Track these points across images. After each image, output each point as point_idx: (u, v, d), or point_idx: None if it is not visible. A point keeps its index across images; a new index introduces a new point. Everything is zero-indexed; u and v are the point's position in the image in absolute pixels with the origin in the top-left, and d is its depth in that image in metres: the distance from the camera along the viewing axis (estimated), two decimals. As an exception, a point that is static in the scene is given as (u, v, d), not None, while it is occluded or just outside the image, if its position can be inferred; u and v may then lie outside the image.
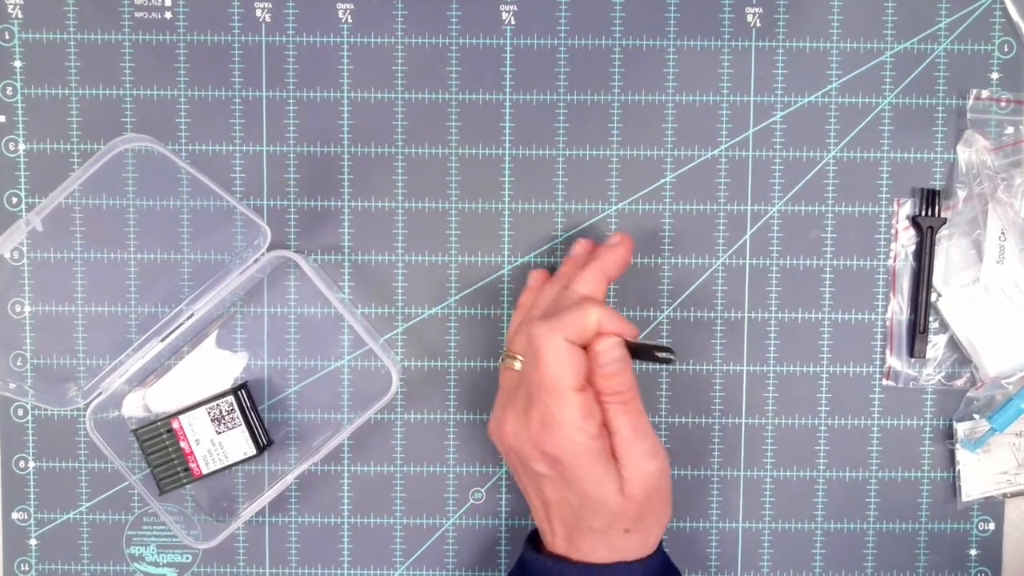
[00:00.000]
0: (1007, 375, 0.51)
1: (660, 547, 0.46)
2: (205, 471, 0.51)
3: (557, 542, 0.45)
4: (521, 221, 0.52)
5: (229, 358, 0.52)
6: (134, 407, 0.52)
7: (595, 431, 0.42)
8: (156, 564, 0.53)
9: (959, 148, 0.52)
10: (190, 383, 0.52)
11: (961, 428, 0.52)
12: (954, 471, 0.52)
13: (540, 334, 0.42)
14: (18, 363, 0.52)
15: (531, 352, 0.42)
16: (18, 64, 0.52)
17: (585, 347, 0.43)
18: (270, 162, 0.52)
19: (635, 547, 0.44)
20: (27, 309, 0.52)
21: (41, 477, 0.53)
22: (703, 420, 0.53)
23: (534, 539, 0.47)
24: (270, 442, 0.52)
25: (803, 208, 0.52)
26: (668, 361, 0.44)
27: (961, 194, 0.52)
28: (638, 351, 0.44)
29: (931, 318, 0.52)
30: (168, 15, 0.52)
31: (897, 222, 0.52)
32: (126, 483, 0.52)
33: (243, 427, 0.51)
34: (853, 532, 0.53)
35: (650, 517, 0.44)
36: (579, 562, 0.44)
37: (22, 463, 0.53)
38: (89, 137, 0.52)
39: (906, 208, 0.52)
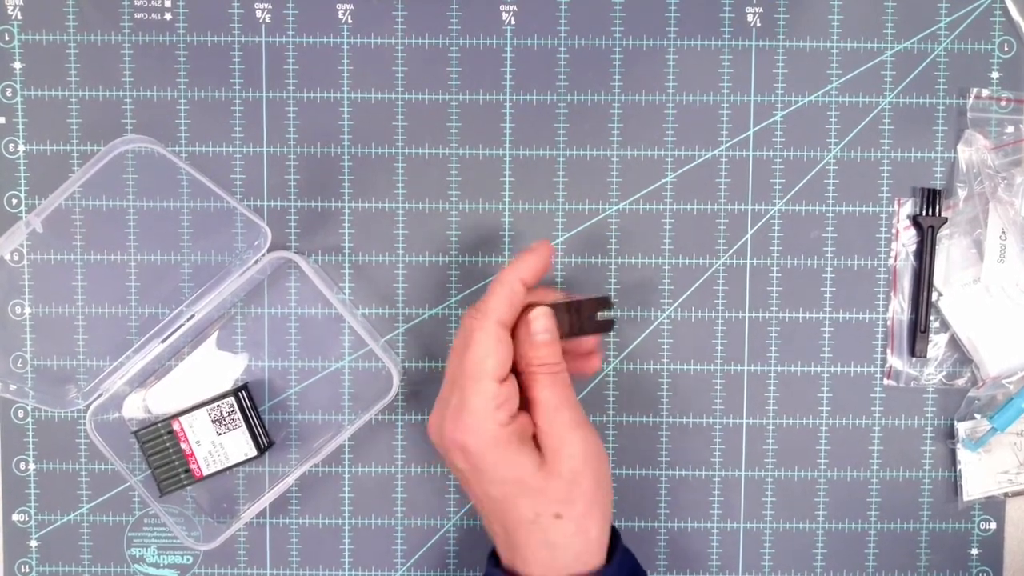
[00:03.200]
0: (1008, 374, 0.51)
1: (617, 555, 0.43)
2: (206, 472, 0.51)
3: (502, 549, 0.43)
4: (521, 221, 0.52)
5: (230, 359, 0.52)
6: (135, 408, 0.52)
7: (505, 420, 0.41)
8: (157, 565, 0.53)
9: (959, 147, 0.52)
10: (191, 384, 0.52)
11: (962, 428, 0.52)
12: (955, 471, 0.52)
13: (473, 320, 0.43)
14: (18, 365, 0.52)
15: (462, 339, 0.43)
16: (18, 65, 0.52)
17: (514, 333, 0.43)
18: (270, 163, 0.52)
19: (576, 543, 0.41)
20: (27, 311, 0.52)
21: (42, 479, 0.53)
22: (704, 420, 0.53)
23: (496, 554, 0.45)
24: (271, 443, 0.52)
25: (804, 208, 0.52)
26: (608, 327, 0.44)
27: (962, 193, 0.52)
28: (580, 311, 0.45)
29: (932, 317, 0.52)
30: (168, 16, 0.52)
31: (898, 221, 0.52)
32: (127, 484, 0.52)
33: (244, 428, 0.51)
34: (854, 532, 0.53)
35: (582, 501, 0.41)
36: None
37: (23, 465, 0.53)
38: (89, 138, 0.52)
39: (907, 208, 0.52)
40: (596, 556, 0.42)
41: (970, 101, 0.51)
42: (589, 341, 0.47)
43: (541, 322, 0.43)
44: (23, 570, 0.53)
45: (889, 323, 0.52)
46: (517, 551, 0.42)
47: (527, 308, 0.44)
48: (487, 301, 0.43)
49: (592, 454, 0.42)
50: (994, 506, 0.53)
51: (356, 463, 0.53)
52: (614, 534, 0.44)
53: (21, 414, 0.52)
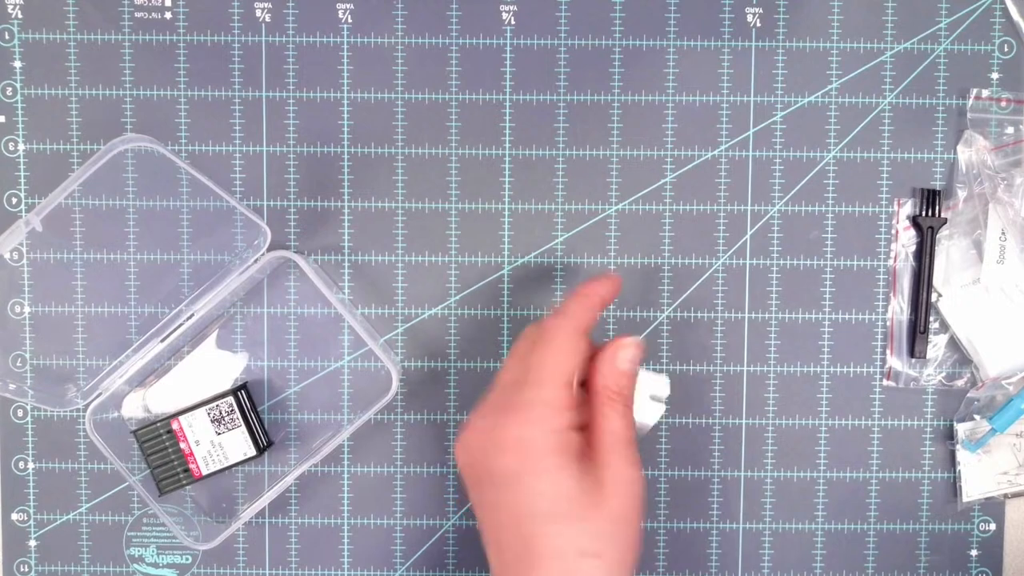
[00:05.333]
0: (1007, 375, 0.51)
1: None
2: (205, 472, 0.51)
3: None
4: (521, 221, 0.52)
5: (229, 359, 0.52)
6: (134, 408, 0.52)
7: (564, 425, 0.39)
8: (156, 565, 0.53)
9: (959, 148, 0.52)
10: (190, 384, 0.52)
11: (962, 428, 0.52)
12: (955, 472, 0.52)
13: (554, 321, 0.42)
14: (18, 364, 0.52)
15: (529, 342, 0.42)
16: (18, 64, 0.52)
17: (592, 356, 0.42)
18: (270, 162, 0.52)
19: None
20: (27, 310, 0.52)
21: (41, 478, 0.53)
22: (703, 420, 0.53)
23: None
24: (270, 443, 0.52)
25: (803, 208, 0.52)
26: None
27: (961, 194, 0.52)
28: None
29: (931, 318, 0.52)
30: (168, 15, 0.52)
31: (897, 222, 0.52)
32: (126, 484, 0.52)
33: (243, 428, 0.51)
34: (854, 532, 0.53)
35: (623, 545, 0.39)
36: None
37: (22, 464, 0.53)
38: (89, 137, 0.52)
39: (906, 208, 0.52)
40: None
41: (970, 102, 0.51)
42: None
43: (631, 351, 0.42)
44: (22, 569, 0.53)
45: (888, 324, 0.52)
46: None
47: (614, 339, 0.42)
48: (568, 306, 0.42)
49: (641, 500, 0.40)
50: (993, 507, 0.53)
51: (355, 463, 0.53)
52: None
53: (20, 413, 0.52)
